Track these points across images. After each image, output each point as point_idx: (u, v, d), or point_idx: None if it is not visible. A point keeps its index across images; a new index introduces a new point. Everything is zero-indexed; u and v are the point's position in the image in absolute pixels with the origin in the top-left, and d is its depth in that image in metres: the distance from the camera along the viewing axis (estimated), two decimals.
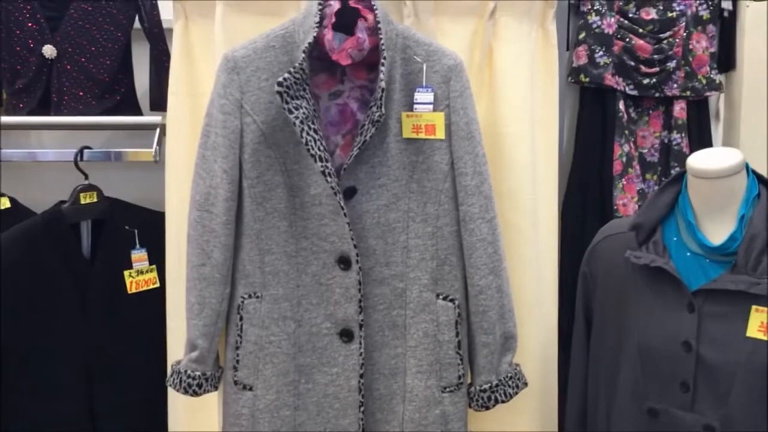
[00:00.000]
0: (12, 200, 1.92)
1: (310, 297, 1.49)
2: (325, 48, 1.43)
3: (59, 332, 1.78)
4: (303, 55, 1.38)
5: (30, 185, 2.02)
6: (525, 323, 1.60)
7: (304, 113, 1.38)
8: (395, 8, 1.61)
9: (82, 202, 1.85)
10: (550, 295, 1.70)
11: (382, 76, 1.38)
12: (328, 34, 1.42)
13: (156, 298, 1.86)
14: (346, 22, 1.44)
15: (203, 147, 1.48)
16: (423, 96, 1.45)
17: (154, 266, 1.90)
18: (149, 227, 1.85)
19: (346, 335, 1.47)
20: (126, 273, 1.87)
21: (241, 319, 1.48)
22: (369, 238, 1.48)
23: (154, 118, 1.90)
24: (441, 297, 1.49)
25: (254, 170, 1.46)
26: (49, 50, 1.90)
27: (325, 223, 1.46)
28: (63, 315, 1.79)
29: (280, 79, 1.36)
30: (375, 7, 1.44)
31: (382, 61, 1.39)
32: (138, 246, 1.88)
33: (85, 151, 1.88)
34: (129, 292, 1.87)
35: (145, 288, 1.90)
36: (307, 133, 1.38)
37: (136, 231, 1.87)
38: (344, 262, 1.46)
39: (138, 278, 1.89)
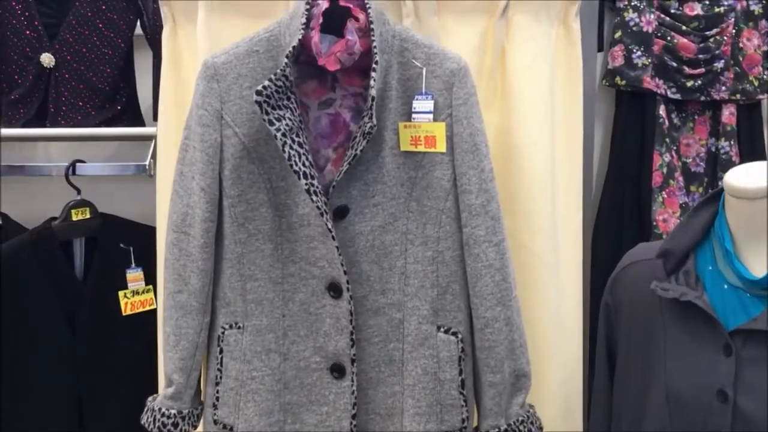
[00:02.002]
0: (3, 216, 1.84)
1: (297, 328, 1.35)
2: (312, 51, 1.28)
3: (46, 359, 1.71)
4: (286, 60, 1.24)
5: (25, 199, 1.95)
6: (543, 358, 1.43)
7: (287, 125, 1.24)
8: (394, 8, 1.45)
9: (74, 218, 1.79)
10: (573, 328, 1.52)
11: (373, 82, 1.23)
12: (315, 37, 1.27)
13: (153, 320, 1.75)
14: (335, 23, 1.29)
15: (181, 162, 1.35)
16: (422, 104, 1.30)
17: (150, 286, 1.81)
18: (146, 245, 1.75)
19: (338, 371, 1.32)
20: (120, 294, 1.79)
21: (221, 351, 1.35)
22: (362, 262, 1.33)
23: (150, 129, 1.80)
24: (442, 330, 1.33)
25: (235, 188, 1.32)
26: (47, 59, 1.85)
27: (314, 246, 1.32)
28: (51, 341, 1.72)
29: (260, 87, 1.22)
30: (368, 6, 1.29)
31: (374, 65, 1.25)
32: (133, 265, 1.81)
33: (77, 164, 1.78)
34: (123, 314, 1.78)
35: (140, 310, 1.80)
36: (291, 147, 1.24)
37: (131, 249, 1.79)
38: (334, 290, 1.32)
39: (133, 299, 1.80)
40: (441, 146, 1.30)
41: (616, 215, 1.92)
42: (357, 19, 1.29)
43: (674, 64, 1.90)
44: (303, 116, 1.32)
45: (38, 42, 1.83)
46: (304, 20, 1.28)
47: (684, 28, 1.91)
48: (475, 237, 1.30)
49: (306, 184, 1.25)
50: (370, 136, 1.25)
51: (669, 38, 1.90)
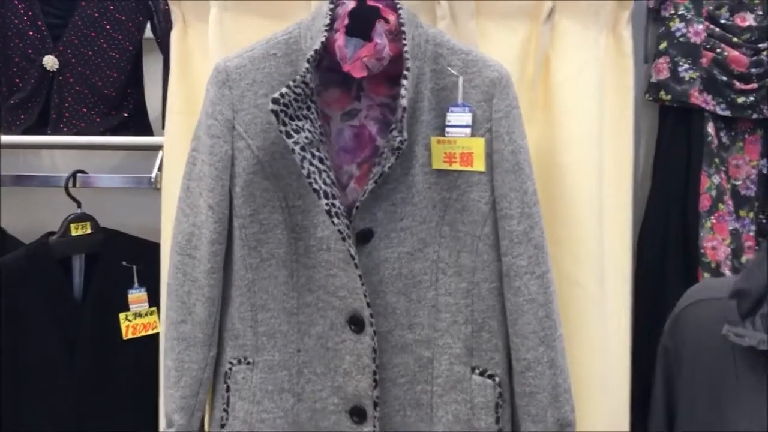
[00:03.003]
0: None
1: (313, 365, 1.20)
2: (337, 56, 1.14)
3: (42, 386, 1.58)
4: (307, 65, 1.11)
5: (24, 211, 1.84)
6: (585, 405, 1.27)
7: (306, 137, 1.11)
8: (427, 9, 1.31)
9: (74, 233, 1.66)
10: (620, 371, 1.37)
11: (404, 91, 1.09)
12: (339, 40, 1.14)
13: (157, 344, 1.61)
14: (362, 24, 1.16)
15: (188, 177, 1.22)
16: (458, 117, 1.16)
17: (154, 308, 1.68)
18: (150, 263, 1.62)
19: (358, 415, 1.18)
20: (122, 316, 1.66)
21: (227, 390, 1.20)
22: (388, 293, 1.19)
23: (158, 139, 1.67)
24: (477, 372, 1.18)
25: (247, 206, 1.19)
26: (50, 61, 1.75)
27: (334, 273, 1.18)
28: (47, 367, 1.59)
29: (276, 95, 1.08)
30: (399, 6, 1.15)
31: (405, 72, 1.11)
32: (136, 285, 1.67)
33: (78, 175, 1.65)
34: (124, 338, 1.64)
35: (143, 333, 1.67)
36: (310, 163, 1.11)
37: (134, 267, 1.66)
38: (356, 323, 1.18)
39: (135, 322, 1.67)
40: (479, 165, 1.16)
41: (660, 242, 1.77)
42: (387, 21, 1.15)
43: (724, 79, 1.76)
44: (324, 128, 1.18)
45: (41, 43, 1.73)
46: (327, 21, 1.14)
47: (735, 39, 1.77)
48: (517, 268, 1.15)
49: (327, 204, 1.11)
50: (399, 151, 1.11)
51: (719, 50, 1.76)
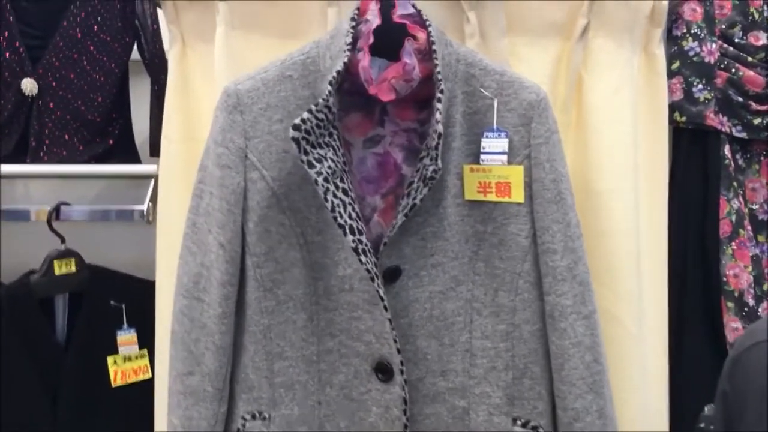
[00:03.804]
0: None
1: (336, 419, 1.09)
2: (360, 78, 1.04)
3: None
4: (329, 88, 1.00)
5: (7, 245, 1.69)
6: None
7: (329, 168, 1.00)
8: (454, 26, 1.22)
9: (57, 272, 1.53)
10: (659, 413, 1.27)
11: (438, 116, 0.99)
12: (364, 60, 1.04)
13: (148, 391, 1.48)
14: (388, 43, 1.06)
15: (194, 212, 1.10)
16: (493, 143, 1.06)
17: (145, 351, 1.55)
18: (140, 302, 1.51)
19: None
20: (110, 359, 1.53)
21: None
22: (418, 337, 1.08)
23: (149, 168, 1.55)
24: (519, 423, 1.08)
25: (262, 244, 1.07)
26: (29, 85, 1.63)
27: (358, 315, 1.07)
28: (27, 418, 1.45)
29: (297, 120, 0.98)
30: (428, 24, 1.06)
31: (438, 95, 1.01)
32: (125, 326, 1.55)
33: (62, 208, 1.52)
34: (113, 384, 1.51)
35: (133, 379, 1.54)
36: (334, 195, 1.00)
37: (123, 306, 1.53)
38: (384, 371, 1.06)
39: (124, 366, 1.54)
40: (518, 195, 1.06)
41: (679, 270, 1.69)
42: (416, 38, 1.05)
43: (740, 99, 1.70)
44: (346, 156, 1.07)
45: (19, 66, 1.61)
46: (349, 39, 1.04)
47: (750, 59, 1.72)
48: (561, 307, 1.05)
49: (353, 240, 1.00)
50: (432, 182, 1.01)
51: (733, 70, 1.71)
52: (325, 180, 1.00)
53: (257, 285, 1.08)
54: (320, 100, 1.00)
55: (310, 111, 0.99)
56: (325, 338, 1.09)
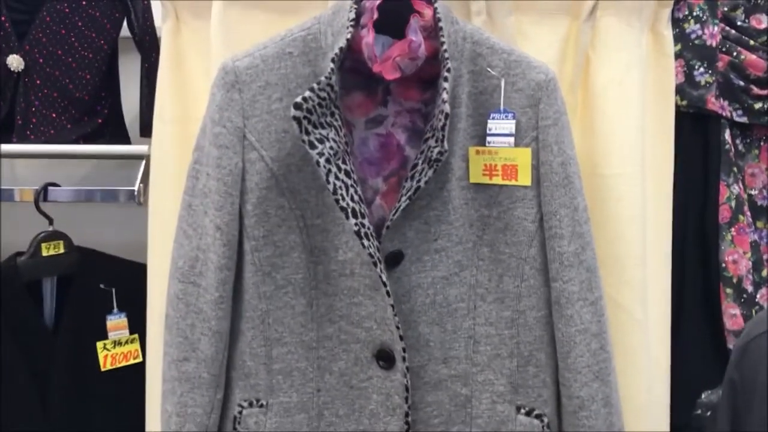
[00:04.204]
0: None
1: (335, 406, 1.06)
2: (363, 56, 1.01)
3: (12, 427, 1.39)
4: (331, 65, 0.97)
5: None
6: None
7: (331, 148, 0.96)
8: (460, 4, 1.17)
9: (45, 254, 1.48)
10: (662, 400, 1.25)
11: (445, 96, 0.96)
12: (368, 36, 1.00)
13: (138, 375, 1.45)
14: (392, 19, 1.02)
15: (190, 193, 1.06)
16: (500, 124, 1.03)
17: (135, 335, 1.52)
18: (131, 285, 1.46)
19: None
20: (99, 345, 1.48)
21: None
22: (420, 323, 1.05)
23: (140, 148, 1.50)
24: (523, 411, 1.06)
25: (260, 227, 1.04)
26: (15, 61, 1.57)
27: (359, 301, 1.04)
28: (16, 404, 1.40)
29: (299, 99, 0.94)
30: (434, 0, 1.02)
31: (445, 74, 0.97)
32: (116, 310, 1.50)
33: (50, 188, 1.47)
34: (102, 369, 1.48)
35: (123, 363, 1.50)
36: (336, 177, 0.96)
37: (113, 290, 1.48)
38: (385, 358, 1.04)
39: (114, 351, 1.50)
40: (524, 178, 1.03)
41: (678, 256, 1.66)
42: (422, 15, 1.01)
43: (741, 83, 1.67)
44: (348, 137, 1.04)
45: (4, 42, 1.55)
46: (353, 15, 1.00)
47: (752, 42, 1.68)
48: (568, 294, 1.03)
49: (356, 224, 0.97)
50: (438, 164, 0.98)
51: (735, 54, 1.67)
52: (327, 161, 0.96)
53: (255, 269, 1.05)
54: (322, 79, 0.96)
55: (311, 89, 0.95)
56: (324, 324, 1.06)
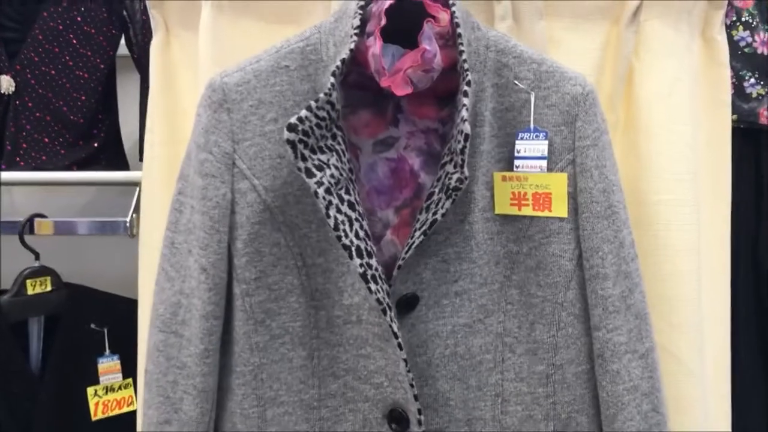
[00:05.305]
0: None
1: None
2: (369, 68, 0.87)
3: None
4: (332, 79, 0.83)
5: None
6: None
7: (332, 176, 0.83)
8: (482, 7, 1.03)
9: (30, 291, 1.40)
10: None
11: (464, 113, 0.81)
12: (375, 46, 0.86)
13: (134, 425, 1.33)
14: (404, 25, 0.88)
15: (173, 229, 0.93)
16: (530, 145, 0.89)
17: (129, 380, 1.43)
18: (125, 325, 1.35)
19: None
20: (90, 391, 1.38)
21: None
22: (439, 379, 0.91)
23: (136, 174, 1.39)
24: None
25: (252, 267, 0.90)
26: (5, 83, 1.52)
27: (367, 353, 0.90)
28: None
29: (293, 119, 0.80)
30: (451, 2, 0.88)
31: (465, 88, 0.83)
32: (108, 352, 1.41)
33: (36, 220, 1.36)
34: (93, 418, 1.38)
35: (116, 412, 1.40)
36: (338, 210, 0.82)
37: (105, 331, 1.40)
38: (398, 420, 0.89)
39: (106, 397, 1.40)
40: (560, 209, 0.88)
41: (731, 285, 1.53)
42: (437, 20, 0.87)
43: None
44: (352, 162, 0.90)
45: None
46: (357, 23, 0.87)
47: None
48: (614, 345, 0.87)
49: (361, 265, 0.83)
50: (457, 193, 0.83)
51: None
52: (327, 191, 0.82)
53: (246, 317, 0.90)
54: (321, 95, 0.82)
55: (309, 108, 0.82)
56: (327, 379, 0.92)
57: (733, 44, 1.53)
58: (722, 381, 1.11)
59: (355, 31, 0.86)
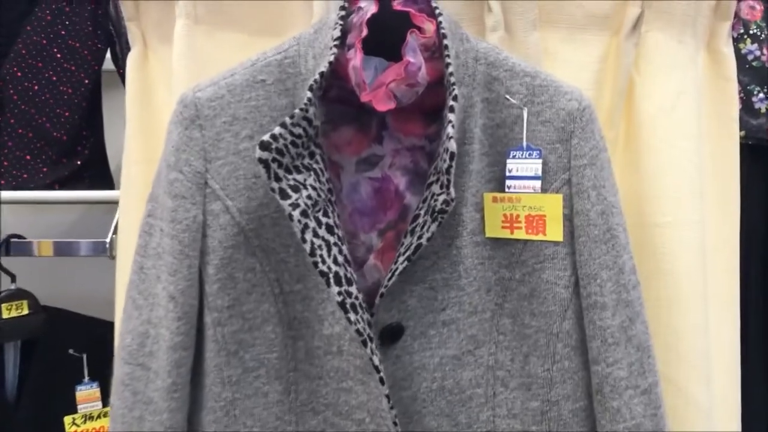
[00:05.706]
0: None
1: None
2: (351, 82, 0.81)
3: None
4: (308, 94, 0.77)
5: None
6: None
7: (309, 198, 0.77)
8: (472, 18, 0.97)
9: (6, 315, 1.36)
10: None
11: (450, 130, 0.76)
12: (355, 59, 0.80)
13: None
14: (387, 37, 0.83)
15: (141, 253, 0.88)
16: (523, 164, 0.83)
17: (108, 408, 1.31)
18: (105, 351, 1.28)
19: None
20: (67, 420, 1.33)
21: None
22: (425, 415, 0.85)
23: (116, 194, 1.32)
24: None
25: (225, 295, 0.84)
26: None
27: (349, 386, 0.84)
28: None
29: (267, 137, 0.75)
30: (438, 12, 0.82)
31: (451, 103, 0.77)
32: (86, 379, 1.36)
33: (13, 241, 1.31)
34: None
35: None
36: (315, 234, 0.77)
37: (84, 357, 1.35)
38: None
39: (85, 427, 1.35)
40: (554, 232, 0.82)
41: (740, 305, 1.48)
42: (422, 30, 0.82)
43: None
44: (333, 182, 0.84)
45: None
46: (337, 34, 0.81)
47: None
48: (614, 380, 0.81)
49: (339, 293, 0.77)
50: (443, 215, 0.77)
51: None
52: (303, 214, 0.76)
53: (218, 348, 0.84)
54: (296, 111, 0.77)
55: (283, 125, 0.76)
56: (306, 415, 0.85)
57: (740, 57, 1.47)
58: (731, 416, 1.04)
59: (335, 42, 0.81)
